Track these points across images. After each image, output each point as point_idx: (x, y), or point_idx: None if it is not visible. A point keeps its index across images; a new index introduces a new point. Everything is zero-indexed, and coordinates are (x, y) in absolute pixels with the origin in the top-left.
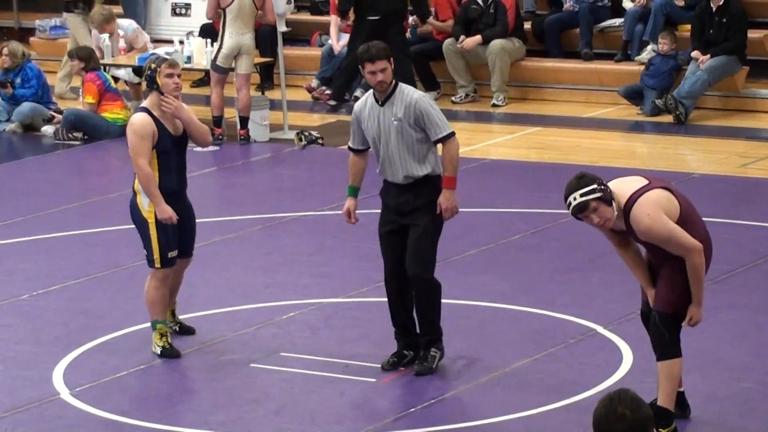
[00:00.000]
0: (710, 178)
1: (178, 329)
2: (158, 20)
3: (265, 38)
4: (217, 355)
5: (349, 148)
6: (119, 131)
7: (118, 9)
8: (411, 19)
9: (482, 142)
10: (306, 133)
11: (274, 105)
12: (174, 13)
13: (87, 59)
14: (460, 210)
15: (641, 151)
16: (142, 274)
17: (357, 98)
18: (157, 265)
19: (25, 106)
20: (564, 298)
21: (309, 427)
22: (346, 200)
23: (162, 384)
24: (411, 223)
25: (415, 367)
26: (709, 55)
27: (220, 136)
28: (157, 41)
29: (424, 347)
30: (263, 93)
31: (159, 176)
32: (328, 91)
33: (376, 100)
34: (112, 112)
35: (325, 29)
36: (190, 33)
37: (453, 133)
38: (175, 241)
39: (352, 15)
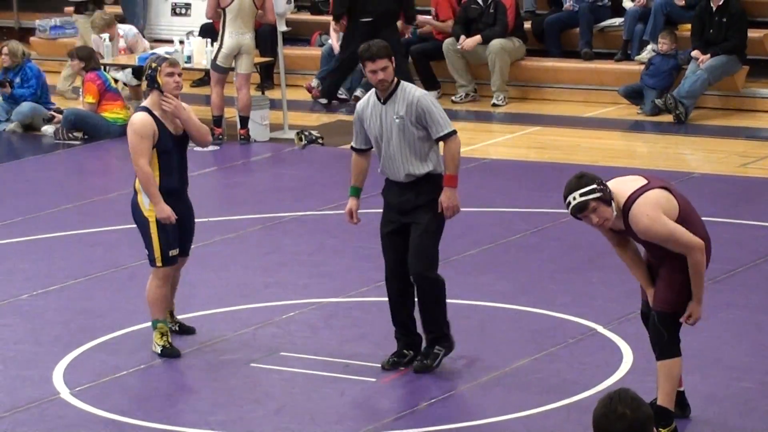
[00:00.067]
0: (710, 178)
1: (177, 329)
2: (158, 20)
3: (265, 38)
4: (217, 354)
5: (352, 147)
6: (119, 131)
7: (116, 9)
8: None
9: (482, 142)
10: (306, 133)
11: (274, 105)
12: (174, 12)
13: (87, 59)
14: (461, 209)
15: (641, 150)
16: (142, 274)
17: (357, 98)
18: (159, 263)
19: (25, 106)
20: (564, 298)
21: (309, 426)
22: (348, 200)
23: (162, 384)
24: (412, 221)
25: (414, 363)
26: (709, 55)
27: (220, 136)
28: (157, 41)
29: (428, 345)
30: (263, 93)
31: (160, 176)
32: (318, 87)
33: (378, 99)
34: (112, 112)
35: (325, 29)
36: (190, 33)
37: (454, 132)
38: (176, 240)
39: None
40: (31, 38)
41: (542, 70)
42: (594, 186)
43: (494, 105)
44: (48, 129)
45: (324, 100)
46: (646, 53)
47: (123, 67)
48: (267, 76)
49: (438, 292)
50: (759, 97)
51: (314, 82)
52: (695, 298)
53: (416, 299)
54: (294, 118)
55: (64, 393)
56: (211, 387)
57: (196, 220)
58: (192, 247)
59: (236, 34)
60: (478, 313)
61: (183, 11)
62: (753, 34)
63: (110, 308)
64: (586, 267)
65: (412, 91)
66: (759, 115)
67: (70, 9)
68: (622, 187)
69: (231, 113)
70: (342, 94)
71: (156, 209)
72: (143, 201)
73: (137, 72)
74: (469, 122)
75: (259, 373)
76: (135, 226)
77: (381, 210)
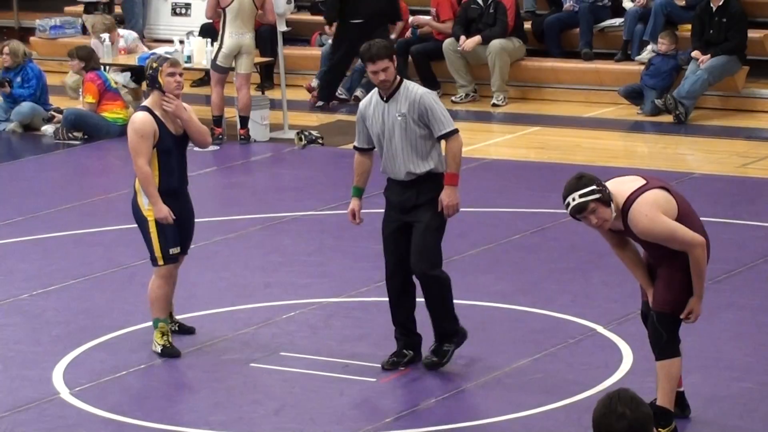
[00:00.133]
0: (710, 178)
1: (177, 329)
2: (158, 20)
3: (265, 38)
4: (217, 354)
5: (355, 147)
6: (119, 131)
7: (116, 9)
8: (411, 19)
9: (482, 142)
10: (306, 133)
11: (274, 105)
12: (174, 12)
13: (87, 59)
14: (461, 209)
15: (641, 150)
16: (141, 274)
17: (357, 98)
18: (160, 262)
19: (25, 106)
20: (564, 298)
21: (309, 426)
22: (351, 201)
23: (162, 384)
24: (414, 220)
25: (424, 359)
26: (709, 55)
27: (220, 136)
28: (156, 41)
29: (437, 341)
30: (263, 93)
31: (160, 175)
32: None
33: (381, 97)
34: (112, 112)
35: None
36: (190, 33)
37: (456, 130)
38: (176, 238)
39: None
40: (31, 38)
41: (542, 70)
42: (593, 187)
43: (494, 105)
44: (48, 129)
45: (321, 103)
46: (646, 53)
47: (123, 70)
48: (267, 76)
49: (443, 289)
50: (759, 97)
51: (314, 83)
52: (696, 294)
53: (423, 298)
54: (294, 118)
55: (64, 393)
56: (211, 387)
57: (196, 219)
58: (192, 247)
59: (236, 34)
60: (478, 313)
61: (183, 11)
62: (753, 34)
63: (110, 308)
64: (586, 267)
65: (414, 89)
66: (759, 116)
67: (78, 8)
68: (620, 187)
69: (231, 113)
70: (342, 94)
71: (154, 209)
72: (142, 201)
73: (138, 75)
74: (469, 122)
75: (259, 373)
76: (135, 225)
77: (381, 210)
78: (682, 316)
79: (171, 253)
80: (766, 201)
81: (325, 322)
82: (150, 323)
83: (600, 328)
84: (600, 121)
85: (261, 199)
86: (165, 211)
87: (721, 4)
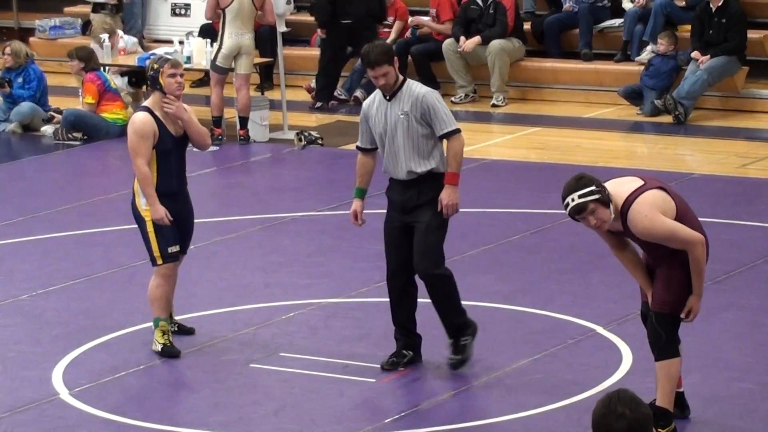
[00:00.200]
0: (710, 179)
1: (176, 329)
2: (157, 20)
3: (264, 38)
4: (217, 355)
5: (358, 147)
6: (119, 131)
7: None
8: (411, 19)
9: (482, 142)
10: (305, 134)
11: (273, 105)
12: (173, 13)
13: (87, 59)
14: (461, 210)
15: (641, 151)
16: (141, 275)
17: (357, 98)
18: (159, 261)
19: (24, 106)
20: (564, 299)
21: (308, 427)
22: (353, 202)
23: (162, 384)
24: (415, 221)
25: (449, 361)
26: (708, 56)
27: (220, 137)
28: (156, 41)
29: (452, 338)
30: (263, 93)
31: (158, 176)
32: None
33: (384, 96)
34: (111, 112)
35: None
36: (189, 33)
37: (458, 130)
38: (175, 237)
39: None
40: (31, 38)
41: (542, 70)
42: (593, 188)
43: (494, 106)
44: (47, 129)
45: (319, 104)
46: (646, 54)
47: (122, 74)
48: (266, 76)
49: (448, 286)
50: (758, 98)
51: (314, 83)
52: (695, 292)
53: (426, 299)
54: (293, 118)
55: (64, 393)
56: (210, 387)
57: (196, 220)
58: (192, 247)
59: (236, 35)
60: (477, 313)
61: (182, 12)
62: (752, 35)
63: (110, 308)
64: (586, 268)
65: (417, 88)
66: (758, 116)
67: (78, 9)
68: (619, 188)
69: (230, 114)
70: (341, 94)
71: (151, 210)
72: (140, 201)
73: (138, 77)
74: (468, 123)
75: (259, 373)
76: (135, 226)
77: (381, 210)
78: (682, 315)
79: (170, 251)
80: (765, 201)
81: (325, 323)
82: (150, 324)
83: (600, 329)
84: (600, 122)
85: (261, 200)
86: (162, 212)
87: (720, 4)
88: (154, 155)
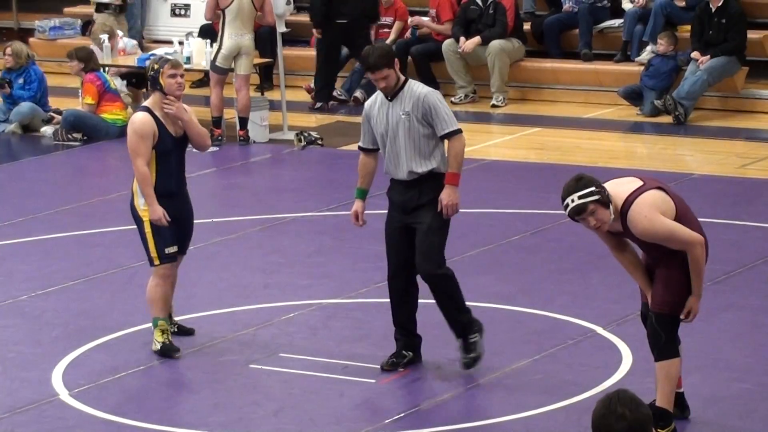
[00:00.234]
0: (710, 179)
1: (176, 330)
2: (157, 21)
3: (264, 39)
4: (217, 355)
5: (360, 147)
6: (118, 132)
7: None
8: (411, 20)
9: (482, 143)
10: (305, 134)
11: (273, 106)
12: (173, 13)
13: (86, 60)
14: (461, 210)
15: (641, 151)
16: (141, 275)
17: (357, 99)
18: (156, 262)
19: (24, 107)
20: (563, 299)
21: (308, 427)
22: (355, 202)
23: (161, 385)
24: (416, 221)
25: (462, 361)
26: (708, 56)
27: (220, 137)
28: (156, 42)
29: (460, 338)
30: (263, 94)
31: (158, 177)
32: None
33: (386, 96)
34: (111, 113)
35: None
36: (189, 34)
37: (460, 130)
38: (173, 237)
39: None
40: (31, 39)
41: (542, 71)
42: (592, 188)
43: (494, 106)
44: (47, 130)
45: (318, 104)
46: (646, 54)
47: (121, 76)
48: (266, 77)
49: (450, 285)
50: (758, 98)
51: (313, 83)
52: (695, 293)
53: (428, 300)
54: (293, 119)
55: (63, 394)
56: (210, 388)
57: (195, 220)
58: (192, 247)
59: (235, 36)
60: (478, 314)
61: (182, 12)
62: (752, 35)
63: (109, 309)
64: (586, 268)
65: (419, 88)
66: (758, 116)
67: (78, 9)
68: (618, 189)
69: (230, 114)
70: (341, 95)
71: (149, 210)
72: (139, 201)
73: (138, 80)
74: (468, 123)
75: (259, 374)
76: (134, 226)
77: (381, 211)
78: (681, 316)
79: (167, 252)
80: (765, 202)
81: (325, 323)
82: (150, 324)
83: (599, 329)
84: (599, 122)
85: (260, 200)
86: (159, 213)
87: (720, 4)
88: (154, 155)
